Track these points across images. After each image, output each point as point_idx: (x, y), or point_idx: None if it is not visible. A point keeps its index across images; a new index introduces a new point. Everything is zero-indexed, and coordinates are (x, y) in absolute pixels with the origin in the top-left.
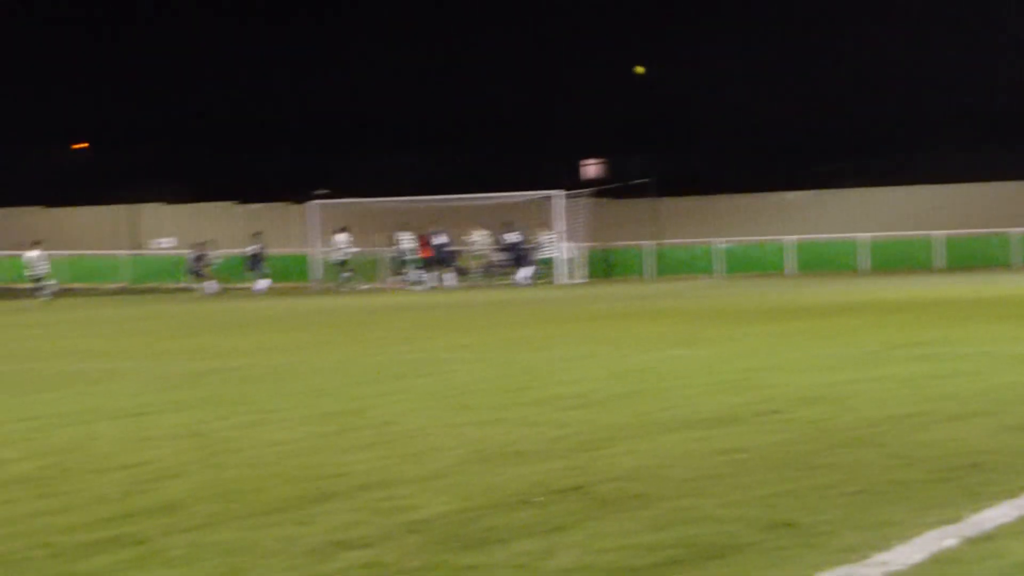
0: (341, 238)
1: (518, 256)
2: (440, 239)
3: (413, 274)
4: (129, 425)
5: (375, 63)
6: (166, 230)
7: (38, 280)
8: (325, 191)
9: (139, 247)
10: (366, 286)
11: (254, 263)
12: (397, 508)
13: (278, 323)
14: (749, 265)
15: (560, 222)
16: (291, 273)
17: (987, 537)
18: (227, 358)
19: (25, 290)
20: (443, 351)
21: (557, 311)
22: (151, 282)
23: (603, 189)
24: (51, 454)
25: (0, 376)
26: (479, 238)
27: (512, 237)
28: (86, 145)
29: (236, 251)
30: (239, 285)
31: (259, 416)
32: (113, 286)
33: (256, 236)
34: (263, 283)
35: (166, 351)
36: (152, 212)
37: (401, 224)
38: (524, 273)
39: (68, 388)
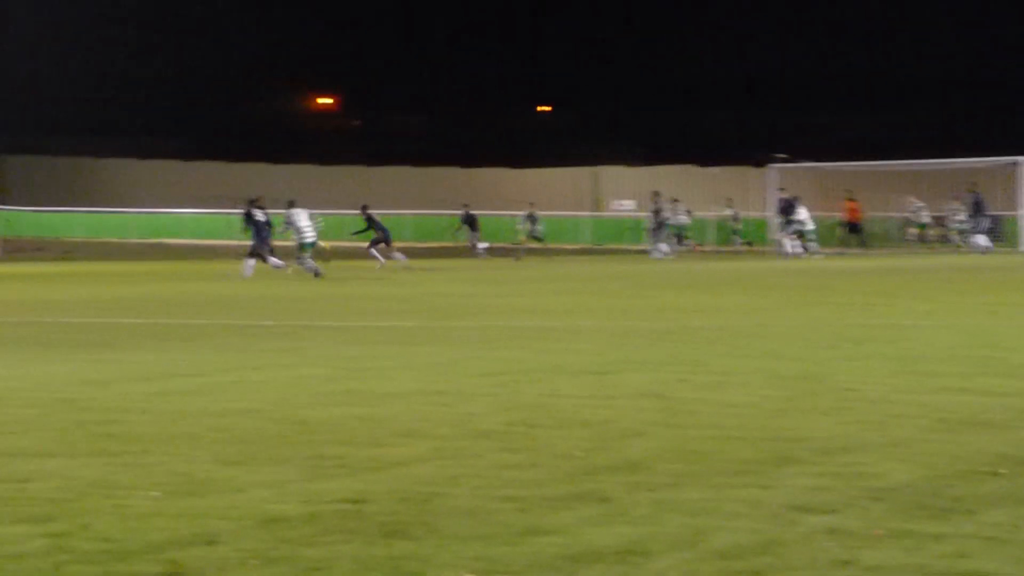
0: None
1: (981, 219)
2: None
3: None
4: (591, 383)
5: (828, 23)
6: (625, 192)
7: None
8: (783, 155)
9: (599, 208)
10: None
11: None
12: (860, 474)
13: (734, 285)
14: None
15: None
16: (752, 236)
17: None
18: (686, 318)
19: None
20: (904, 317)
21: (1016, 278)
22: (610, 243)
23: None
24: (516, 409)
25: (467, 332)
26: (918, 204)
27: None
28: (549, 108)
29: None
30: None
31: (719, 378)
32: (574, 246)
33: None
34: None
35: (626, 310)
36: (612, 174)
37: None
38: (984, 240)
39: (532, 345)
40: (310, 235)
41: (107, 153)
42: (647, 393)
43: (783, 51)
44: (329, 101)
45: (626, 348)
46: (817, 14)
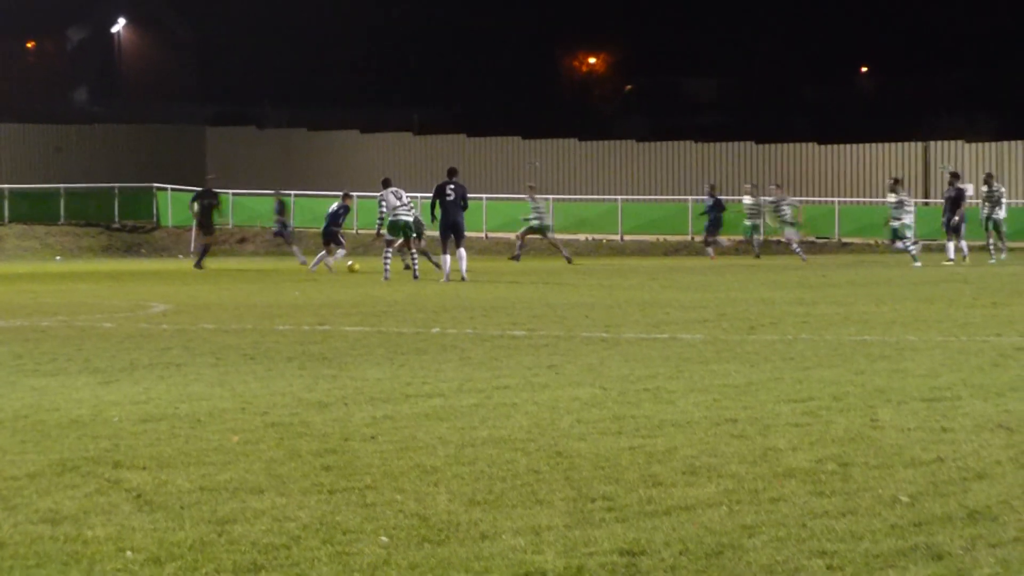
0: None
1: None
2: None
3: None
4: (920, 412)
5: None
6: (962, 174)
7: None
8: None
9: (928, 194)
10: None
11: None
12: None
13: None
14: None
15: None
16: None
17: None
18: None
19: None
20: None
21: None
22: (938, 238)
23: None
24: (827, 444)
25: (766, 346)
26: None
27: None
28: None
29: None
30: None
31: None
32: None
33: None
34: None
35: (966, 322)
36: (946, 151)
37: None
38: None
39: (846, 364)
40: (405, 214)
41: (325, 124)
42: (992, 425)
43: None
44: (595, 61)
45: (966, 369)
46: None
